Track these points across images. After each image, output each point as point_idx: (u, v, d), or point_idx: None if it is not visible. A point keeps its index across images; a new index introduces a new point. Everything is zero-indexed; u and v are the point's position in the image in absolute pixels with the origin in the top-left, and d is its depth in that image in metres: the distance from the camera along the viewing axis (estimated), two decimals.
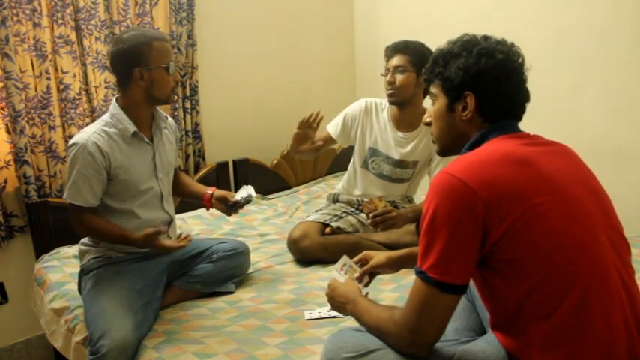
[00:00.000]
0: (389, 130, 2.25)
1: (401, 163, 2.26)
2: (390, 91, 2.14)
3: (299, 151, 2.21)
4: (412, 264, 1.09)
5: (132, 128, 1.72)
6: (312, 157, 2.42)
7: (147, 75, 1.68)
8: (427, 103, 2.17)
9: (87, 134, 1.67)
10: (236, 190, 2.82)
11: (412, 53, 2.10)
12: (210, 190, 1.93)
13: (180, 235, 1.76)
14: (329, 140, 2.33)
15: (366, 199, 2.14)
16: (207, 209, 1.95)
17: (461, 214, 0.97)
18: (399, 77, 2.11)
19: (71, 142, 1.68)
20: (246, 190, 1.93)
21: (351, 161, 2.40)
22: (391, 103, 2.20)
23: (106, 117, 1.74)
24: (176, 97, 2.55)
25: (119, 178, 1.70)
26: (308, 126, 2.13)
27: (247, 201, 1.90)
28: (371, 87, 3.35)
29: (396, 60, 2.12)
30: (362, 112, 2.29)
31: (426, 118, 1.23)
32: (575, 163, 1.12)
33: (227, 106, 2.87)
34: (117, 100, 1.75)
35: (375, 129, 2.27)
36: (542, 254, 0.97)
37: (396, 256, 1.44)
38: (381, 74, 2.18)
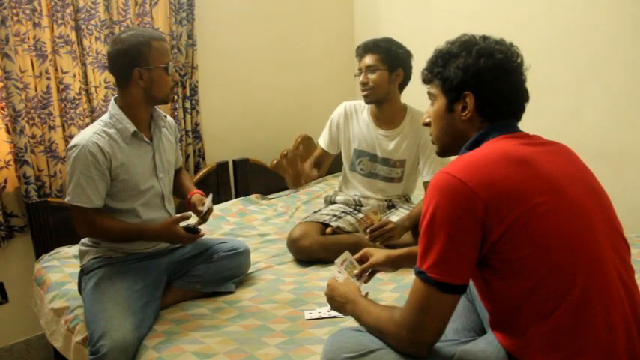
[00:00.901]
0: (371, 129, 2.26)
1: (387, 161, 2.27)
2: (365, 92, 2.16)
3: (301, 186, 2.17)
4: (411, 263, 1.09)
5: (132, 128, 1.72)
6: (319, 176, 2.40)
7: (146, 75, 1.68)
8: (411, 100, 2.20)
9: (87, 135, 1.67)
10: (236, 192, 2.84)
11: (382, 51, 2.12)
12: (189, 194, 1.91)
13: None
14: (326, 155, 2.36)
15: (361, 215, 2.15)
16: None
17: (460, 213, 0.97)
18: (372, 77, 2.12)
19: (71, 143, 1.68)
20: (207, 202, 1.82)
21: (343, 164, 2.41)
22: (367, 102, 2.22)
23: (105, 117, 1.74)
24: (176, 96, 2.55)
25: (120, 178, 1.70)
26: (292, 165, 1.98)
27: (196, 228, 1.76)
28: None
29: (367, 60, 2.13)
30: (342, 117, 2.31)
31: (425, 118, 1.23)
32: (574, 163, 1.12)
33: (227, 106, 2.87)
34: (115, 100, 1.75)
35: (357, 131, 2.28)
36: (541, 254, 0.97)
37: (396, 254, 1.45)
38: (355, 75, 2.19)
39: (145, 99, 1.73)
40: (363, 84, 2.14)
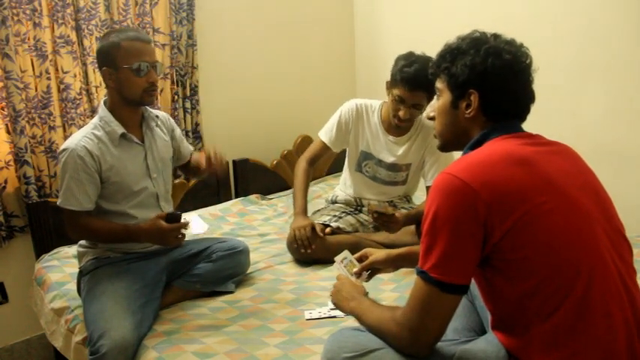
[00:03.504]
0: (380, 135, 2.23)
1: (394, 167, 2.25)
2: (402, 125, 2.10)
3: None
4: (411, 263, 1.09)
5: (120, 130, 1.72)
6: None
7: (114, 76, 1.67)
8: None
9: (76, 139, 1.68)
10: (236, 192, 2.84)
11: (432, 89, 2.02)
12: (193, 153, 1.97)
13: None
14: (325, 151, 2.31)
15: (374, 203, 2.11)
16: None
17: (462, 214, 0.97)
18: (415, 113, 2.05)
19: (61, 147, 1.69)
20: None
21: (345, 164, 2.39)
22: (396, 128, 2.16)
23: (95, 120, 1.75)
24: (176, 96, 2.55)
25: (111, 180, 1.70)
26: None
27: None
28: (371, 89, 3.34)
29: (417, 98, 1.99)
30: (354, 115, 2.24)
31: (430, 112, 1.23)
32: (576, 163, 1.12)
33: (227, 106, 2.87)
34: (105, 102, 1.76)
35: (367, 132, 2.25)
36: (543, 254, 0.97)
37: (395, 254, 1.45)
38: (394, 100, 2.03)
39: (120, 100, 1.72)
40: (406, 119, 2.05)
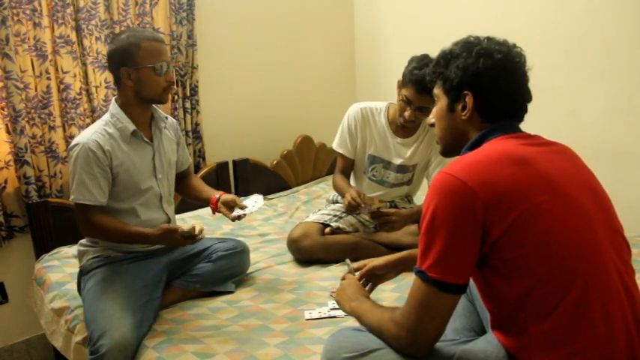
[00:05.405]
0: (388, 137, 2.22)
1: (402, 168, 2.24)
2: (407, 125, 2.10)
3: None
4: (412, 267, 1.08)
5: (131, 127, 1.73)
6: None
7: (134, 75, 1.68)
8: None
9: (88, 134, 1.69)
10: (236, 192, 2.85)
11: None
12: (217, 194, 1.90)
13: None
14: (349, 160, 2.28)
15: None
16: (214, 213, 1.91)
17: (460, 213, 0.97)
18: (421, 116, 2.04)
19: (73, 142, 1.69)
20: (254, 200, 1.86)
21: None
22: (402, 135, 2.17)
23: (106, 117, 1.75)
24: (176, 96, 2.55)
25: (119, 176, 1.71)
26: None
27: (250, 212, 1.85)
28: (371, 89, 3.35)
29: (424, 101, 1.97)
30: (360, 120, 2.23)
31: (430, 118, 1.25)
32: (575, 163, 1.12)
33: (227, 106, 2.87)
34: (116, 100, 1.77)
35: (375, 136, 2.23)
36: (541, 253, 0.97)
37: (396, 258, 1.43)
38: (402, 100, 2.04)
39: (136, 99, 1.73)
40: (410, 120, 2.06)
